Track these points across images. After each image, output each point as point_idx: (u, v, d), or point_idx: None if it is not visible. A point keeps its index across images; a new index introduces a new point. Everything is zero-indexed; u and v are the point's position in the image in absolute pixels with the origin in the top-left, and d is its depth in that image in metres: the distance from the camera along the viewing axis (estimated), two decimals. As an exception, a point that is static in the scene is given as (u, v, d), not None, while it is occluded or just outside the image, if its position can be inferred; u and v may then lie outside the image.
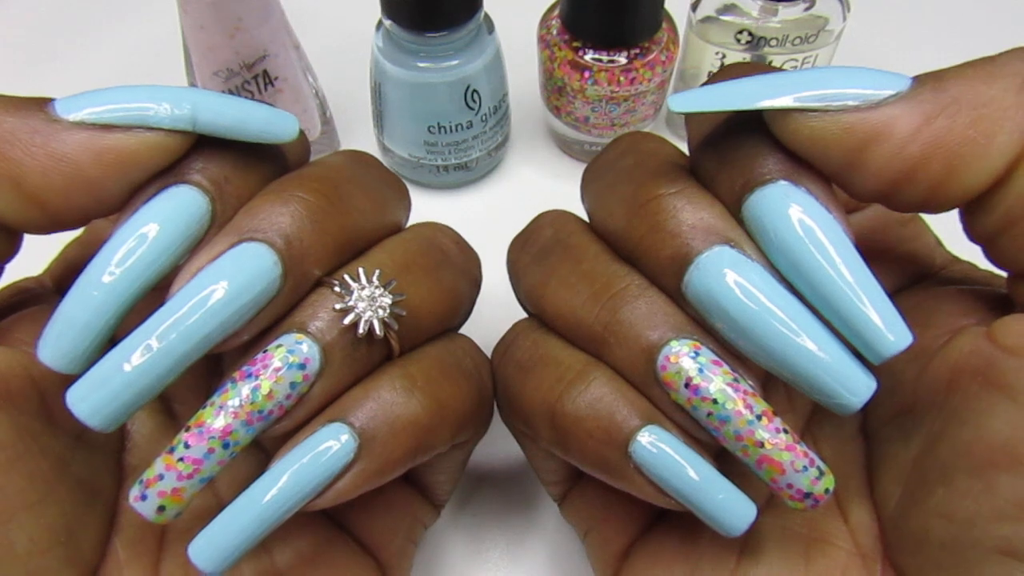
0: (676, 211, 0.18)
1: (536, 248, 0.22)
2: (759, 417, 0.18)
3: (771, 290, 0.17)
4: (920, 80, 0.17)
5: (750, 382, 0.18)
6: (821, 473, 0.18)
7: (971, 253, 0.20)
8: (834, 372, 0.17)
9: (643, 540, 0.23)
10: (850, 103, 0.16)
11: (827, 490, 0.18)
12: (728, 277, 0.17)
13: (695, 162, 0.20)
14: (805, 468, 0.18)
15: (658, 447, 0.18)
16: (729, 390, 0.18)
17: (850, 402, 0.17)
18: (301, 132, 0.20)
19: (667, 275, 0.18)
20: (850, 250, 0.17)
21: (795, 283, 0.17)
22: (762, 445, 0.18)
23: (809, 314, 0.17)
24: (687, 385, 0.18)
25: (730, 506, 0.18)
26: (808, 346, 0.17)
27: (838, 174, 0.17)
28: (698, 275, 0.18)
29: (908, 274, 0.22)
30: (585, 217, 0.22)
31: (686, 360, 0.18)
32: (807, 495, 0.18)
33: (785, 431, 0.18)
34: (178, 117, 0.17)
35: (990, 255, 0.18)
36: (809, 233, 0.17)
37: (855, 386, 0.17)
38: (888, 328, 0.16)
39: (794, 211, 0.17)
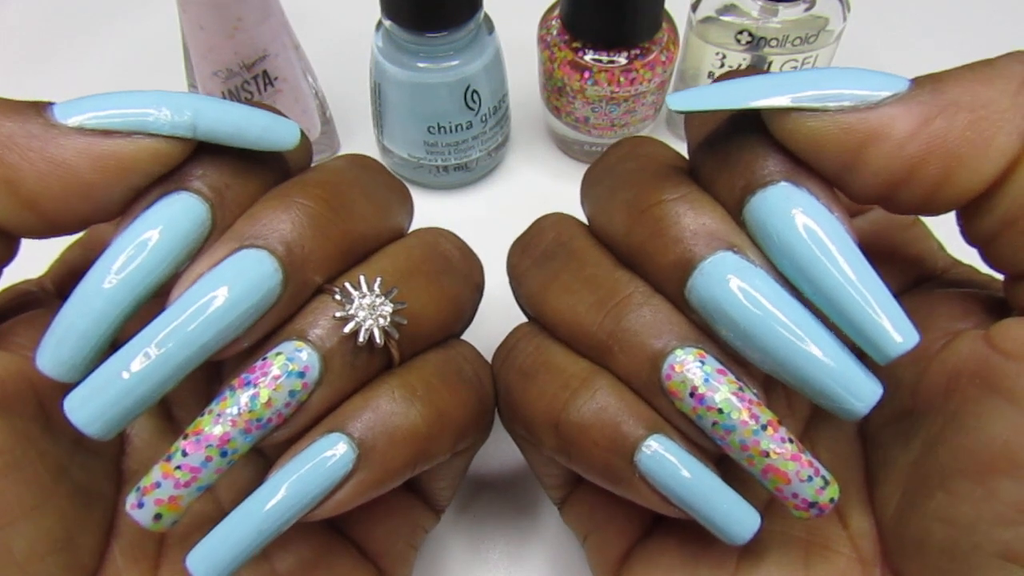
0: (678, 217, 0.18)
1: (537, 252, 0.22)
2: (764, 427, 0.18)
3: (775, 295, 0.17)
4: (918, 82, 0.17)
5: (755, 390, 0.18)
6: (826, 482, 0.18)
7: (972, 256, 0.20)
8: (840, 377, 0.17)
9: (643, 544, 0.23)
10: (848, 103, 0.16)
11: (832, 499, 0.18)
12: (732, 283, 0.17)
13: (695, 163, 0.20)
14: (810, 478, 0.18)
15: (663, 456, 0.18)
16: (735, 399, 0.18)
17: (856, 407, 0.17)
18: (303, 136, 0.19)
19: (670, 281, 0.18)
20: (854, 251, 0.17)
21: (799, 285, 0.17)
22: (767, 455, 0.18)
23: (814, 319, 0.17)
24: (692, 394, 0.18)
25: (735, 515, 0.18)
26: (813, 351, 0.17)
27: (836, 175, 0.17)
28: (701, 281, 0.17)
29: (909, 277, 0.22)
30: (585, 220, 0.22)
31: (691, 369, 0.18)
32: (812, 504, 0.18)
33: (790, 440, 0.18)
34: (178, 124, 0.17)
35: (987, 257, 0.18)
36: (812, 235, 0.17)
37: (861, 391, 0.17)
38: (895, 328, 0.16)
39: (796, 213, 0.17)
